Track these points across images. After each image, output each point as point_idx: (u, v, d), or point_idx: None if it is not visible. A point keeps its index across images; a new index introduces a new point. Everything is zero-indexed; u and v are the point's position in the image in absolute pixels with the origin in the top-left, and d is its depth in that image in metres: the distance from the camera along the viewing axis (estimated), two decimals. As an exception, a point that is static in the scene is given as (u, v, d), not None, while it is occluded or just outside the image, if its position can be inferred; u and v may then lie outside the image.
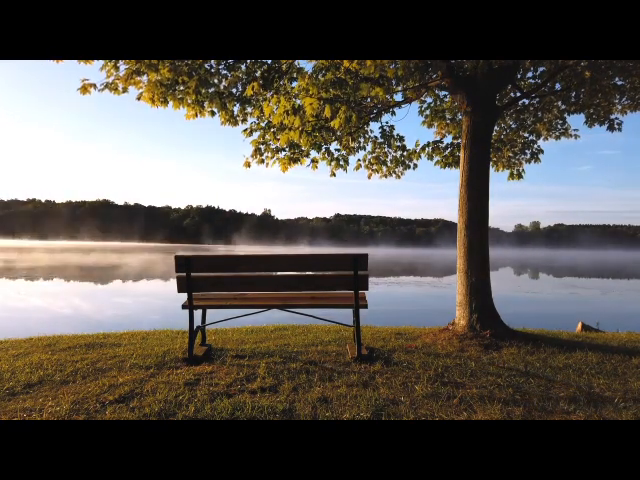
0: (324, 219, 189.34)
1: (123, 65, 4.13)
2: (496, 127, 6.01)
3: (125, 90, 4.30)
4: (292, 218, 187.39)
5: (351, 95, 4.44)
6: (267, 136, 5.63)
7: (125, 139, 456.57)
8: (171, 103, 4.60)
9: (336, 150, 5.93)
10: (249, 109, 5.33)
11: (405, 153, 6.22)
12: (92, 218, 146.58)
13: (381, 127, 5.88)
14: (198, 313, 3.86)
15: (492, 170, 6.02)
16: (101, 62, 4.12)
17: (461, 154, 4.73)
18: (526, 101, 5.64)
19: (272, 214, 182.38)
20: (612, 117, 5.30)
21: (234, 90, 4.93)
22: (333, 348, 4.01)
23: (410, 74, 4.46)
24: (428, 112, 6.26)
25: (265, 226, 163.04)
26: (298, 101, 4.56)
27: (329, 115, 4.16)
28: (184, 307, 3.61)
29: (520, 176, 6.40)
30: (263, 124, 5.60)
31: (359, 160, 6.33)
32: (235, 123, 5.28)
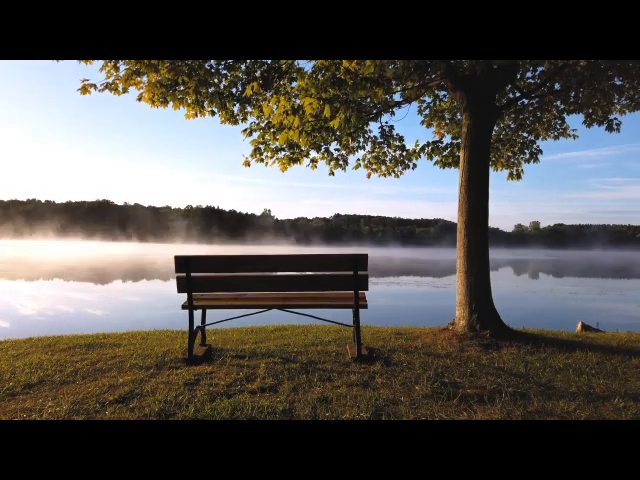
0: (324, 219, 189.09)
1: (123, 65, 4.13)
2: (495, 127, 6.02)
3: (125, 90, 4.30)
4: (292, 218, 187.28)
5: (350, 95, 4.44)
6: (267, 136, 5.64)
7: (124, 139, 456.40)
8: (171, 103, 4.61)
9: (335, 150, 5.94)
10: (249, 109, 5.34)
11: (404, 153, 6.22)
12: (92, 218, 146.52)
13: (380, 127, 5.89)
14: (198, 313, 3.86)
15: (492, 170, 6.03)
16: (101, 62, 4.12)
17: (461, 154, 4.73)
18: (525, 101, 5.65)
19: (272, 214, 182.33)
20: (611, 117, 5.31)
21: (234, 90, 4.94)
22: (333, 348, 4.01)
23: (410, 74, 4.46)
24: (427, 112, 6.27)
25: (265, 226, 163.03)
26: (298, 101, 4.56)
27: (329, 115, 4.16)
28: (184, 307, 3.61)
29: (519, 176, 6.42)
30: (263, 124, 5.61)
31: (358, 160, 6.34)
32: (235, 122, 5.30)
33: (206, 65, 4.46)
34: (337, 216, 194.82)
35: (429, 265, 39.30)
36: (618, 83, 4.86)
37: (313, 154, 5.78)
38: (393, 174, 6.45)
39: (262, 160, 5.76)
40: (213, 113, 4.94)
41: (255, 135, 5.67)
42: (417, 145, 6.28)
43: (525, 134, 6.18)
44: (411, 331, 4.91)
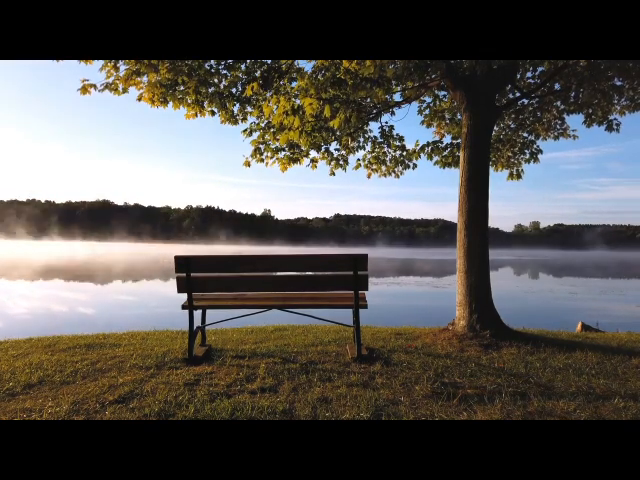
0: (324, 219, 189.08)
1: (123, 65, 4.13)
2: (495, 127, 6.02)
3: (125, 90, 4.30)
4: (292, 218, 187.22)
5: (350, 95, 4.45)
6: (267, 136, 5.64)
7: (124, 139, 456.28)
8: (171, 103, 4.61)
9: (335, 150, 5.94)
10: (249, 109, 5.34)
11: (404, 153, 6.22)
12: (92, 218, 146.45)
13: (380, 127, 5.89)
14: (198, 313, 3.86)
15: (492, 170, 6.03)
16: (101, 62, 4.12)
17: (461, 154, 4.73)
18: (525, 101, 5.64)
19: (272, 214, 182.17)
20: (611, 118, 5.30)
21: (234, 90, 4.94)
22: (333, 348, 4.01)
23: (410, 74, 4.46)
24: (427, 112, 6.27)
25: (265, 226, 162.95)
26: (298, 101, 4.56)
27: (329, 115, 4.16)
28: (184, 307, 3.61)
29: (519, 176, 6.42)
30: (263, 124, 5.61)
31: (359, 160, 6.34)
32: (235, 122, 5.30)
33: (206, 65, 4.46)
34: (337, 216, 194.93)
35: (429, 265, 39.29)
36: (618, 83, 4.85)
37: (313, 154, 5.79)
38: (393, 174, 6.45)
39: (262, 160, 5.76)
40: (213, 113, 4.94)
41: (255, 135, 5.68)
42: (417, 145, 6.28)
43: (525, 134, 6.18)
44: (411, 331, 4.91)
